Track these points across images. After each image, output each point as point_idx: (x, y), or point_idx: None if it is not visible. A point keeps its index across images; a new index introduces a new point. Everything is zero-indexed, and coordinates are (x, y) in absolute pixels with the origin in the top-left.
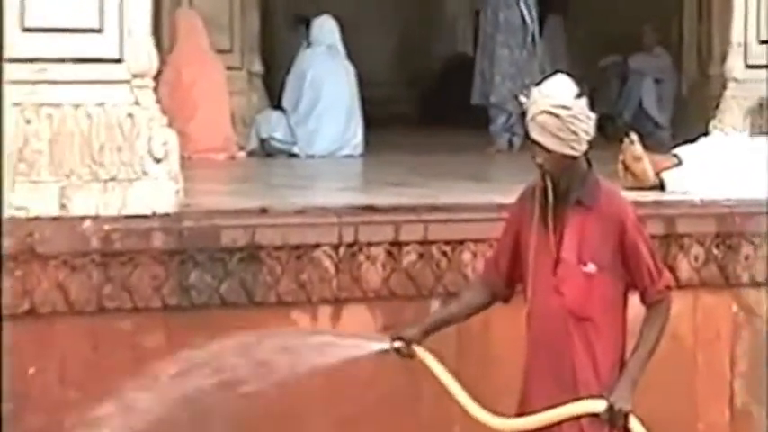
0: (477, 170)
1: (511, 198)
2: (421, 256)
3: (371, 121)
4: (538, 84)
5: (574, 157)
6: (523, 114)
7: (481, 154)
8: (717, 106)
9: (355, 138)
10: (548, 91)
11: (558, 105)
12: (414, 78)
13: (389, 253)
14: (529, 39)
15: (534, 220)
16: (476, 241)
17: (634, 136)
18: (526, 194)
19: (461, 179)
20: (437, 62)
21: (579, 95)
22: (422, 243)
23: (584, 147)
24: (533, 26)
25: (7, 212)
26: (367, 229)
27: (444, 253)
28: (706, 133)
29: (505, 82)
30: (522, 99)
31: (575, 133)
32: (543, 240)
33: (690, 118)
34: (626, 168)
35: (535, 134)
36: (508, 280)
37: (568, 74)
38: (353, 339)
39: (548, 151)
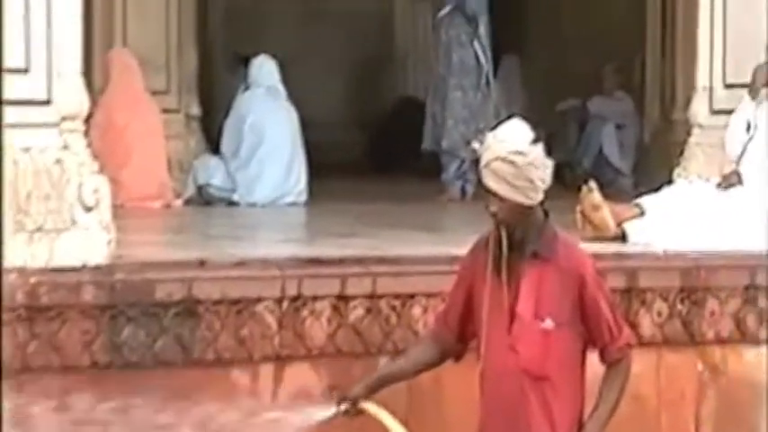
0: (429, 220)
1: (463, 249)
2: (369, 310)
3: (316, 167)
4: (492, 128)
5: (530, 207)
6: (477, 161)
7: (432, 202)
8: (681, 153)
9: (299, 185)
10: (503, 136)
11: (513, 152)
12: (361, 122)
13: (335, 308)
14: (483, 80)
15: (488, 273)
16: (427, 295)
17: (593, 184)
18: (479, 245)
19: (411, 229)
20: (386, 105)
21: (536, 141)
22: (370, 297)
23: (540, 195)
24: (488, 67)
25: None
26: (311, 282)
27: (393, 308)
28: (670, 181)
29: (458, 126)
30: (476, 145)
31: (531, 181)
32: (497, 295)
33: (653, 165)
34: (585, 218)
35: (489, 182)
36: (459, 336)
37: (524, 118)
38: (295, 413)
39: (502, 200)
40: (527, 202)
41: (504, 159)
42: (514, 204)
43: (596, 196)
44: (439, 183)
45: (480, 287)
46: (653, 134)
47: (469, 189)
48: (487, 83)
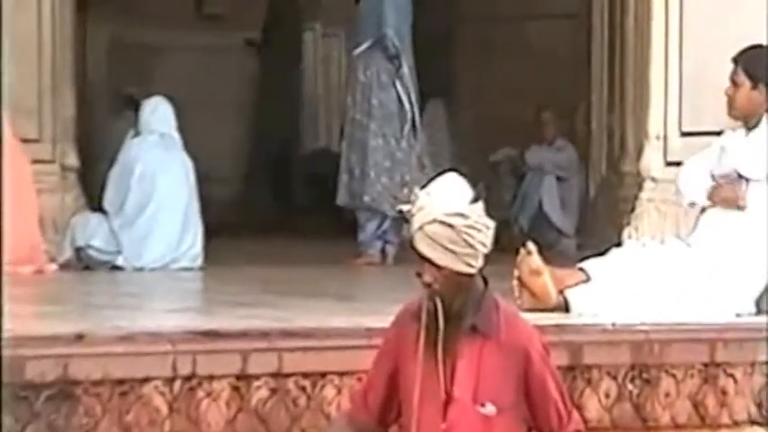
0: (343, 287)
1: (383, 321)
2: (274, 391)
3: (214, 227)
4: (424, 185)
5: (469, 275)
6: (401, 218)
7: (348, 267)
8: (631, 210)
9: (194, 247)
10: (438, 195)
11: (452, 213)
12: (266, 176)
13: (235, 388)
14: (407, 126)
15: (419, 350)
16: (341, 374)
17: (532, 246)
18: (406, 317)
19: (323, 298)
20: (296, 157)
21: (475, 199)
22: (275, 376)
23: (480, 262)
24: (413, 111)
25: None
26: (208, 359)
27: (302, 388)
28: (619, 243)
29: (380, 178)
30: (404, 207)
31: (471, 246)
32: (430, 375)
33: (599, 224)
34: (522, 285)
35: (423, 248)
36: (380, 420)
37: (453, 170)
38: None
39: (438, 268)
40: (466, 269)
41: (441, 222)
42: (452, 273)
43: (536, 260)
44: (355, 244)
45: (408, 365)
46: (599, 188)
47: (390, 251)
48: (413, 129)
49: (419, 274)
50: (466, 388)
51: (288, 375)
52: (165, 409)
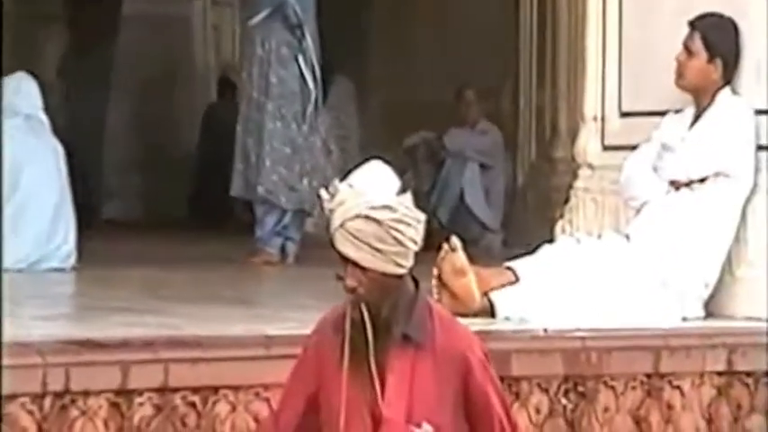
0: (238, 290)
1: (284, 328)
2: (159, 409)
3: (89, 223)
4: (345, 174)
5: (398, 276)
6: (302, 212)
7: (243, 267)
8: (565, 201)
9: (66, 244)
10: (361, 185)
11: (378, 207)
12: (150, 163)
13: (114, 405)
14: (310, 108)
15: (343, 365)
16: (235, 388)
17: (456, 242)
18: (326, 329)
19: (216, 303)
20: (186, 140)
21: (403, 190)
22: (160, 391)
23: (410, 261)
24: (317, 91)
25: None
26: (83, 372)
27: (192, 405)
28: (551, 239)
29: (277, 167)
30: (324, 195)
31: (400, 243)
32: (357, 394)
33: (528, 218)
34: (443, 286)
35: (345, 247)
36: None
37: (384, 159)
38: None
39: (363, 270)
40: (395, 270)
41: (365, 217)
42: (379, 275)
43: (460, 258)
44: (252, 241)
45: (331, 384)
46: (528, 177)
47: (291, 248)
48: (315, 111)
49: (340, 278)
50: (398, 407)
51: (175, 390)
52: (33, 430)
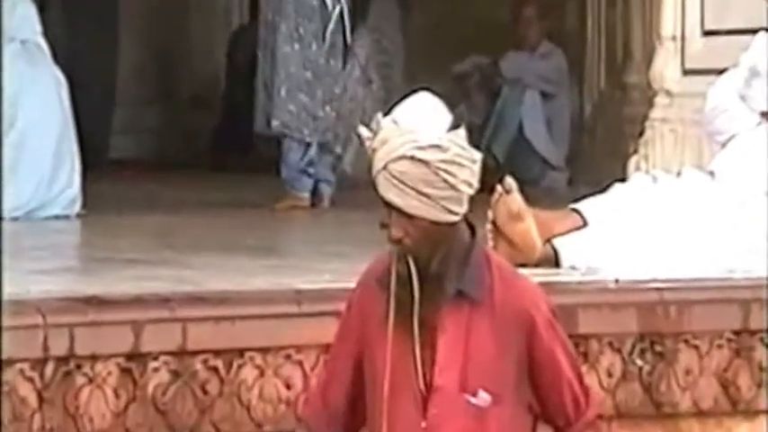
0: (264, 238)
1: (316, 281)
2: (176, 375)
3: (95, 163)
4: (389, 108)
5: (451, 225)
6: (329, 148)
7: (268, 213)
8: (640, 134)
9: (70, 188)
10: (407, 121)
11: (426, 146)
12: (166, 94)
13: (126, 371)
14: (331, 26)
15: (389, 325)
16: (263, 350)
17: (511, 182)
18: (370, 283)
19: (239, 253)
20: (207, 69)
21: (456, 126)
22: (178, 355)
23: (464, 207)
24: (340, 6)
25: None
26: (89, 333)
27: (213, 369)
28: (623, 178)
29: (295, 95)
30: (364, 132)
31: (452, 187)
32: (404, 358)
33: (597, 153)
34: (498, 233)
35: (389, 193)
36: (348, 423)
37: (433, 91)
38: None
39: (410, 218)
40: (447, 218)
41: (411, 158)
42: (427, 224)
43: (516, 200)
44: (279, 184)
45: (374, 347)
46: (597, 107)
47: (326, 191)
48: (343, 32)
49: (384, 226)
50: (451, 373)
51: (194, 353)
52: (33, 401)
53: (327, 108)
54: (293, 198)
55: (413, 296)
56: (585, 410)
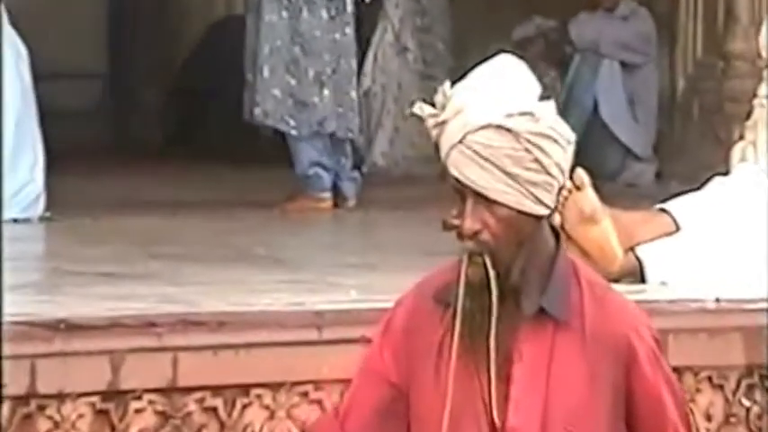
0: (273, 247)
1: (340, 301)
2: (165, 417)
3: (63, 156)
4: (458, 77)
5: (537, 219)
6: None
7: (280, 216)
8: (747, 116)
9: (32, 184)
10: (488, 89)
11: (516, 113)
12: (150, 74)
13: (102, 414)
14: None
15: (451, 347)
16: (273, 386)
17: (584, 175)
18: (425, 292)
19: (242, 265)
20: (195, 35)
21: (546, 97)
22: (167, 392)
23: (554, 199)
24: None
25: None
26: (56, 366)
27: (212, 411)
28: (725, 171)
29: (282, 76)
30: (426, 109)
31: (544, 169)
32: (468, 389)
33: (693, 139)
34: (568, 239)
35: (466, 170)
36: None
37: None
38: None
39: (489, 204)
40: (535, 210)
41: (498, 127)
42: (512, 215)
43: (589, 199)
44: (293, 180)
45: (426, 373)
46: (693, 81)
47: (349, 189)
48: None
49: (449, 227)
50: (529, 411)
51: (187, 391)
52: None
53: (326, 91)
54: (310, 198)
55: (489, 308)
56: None
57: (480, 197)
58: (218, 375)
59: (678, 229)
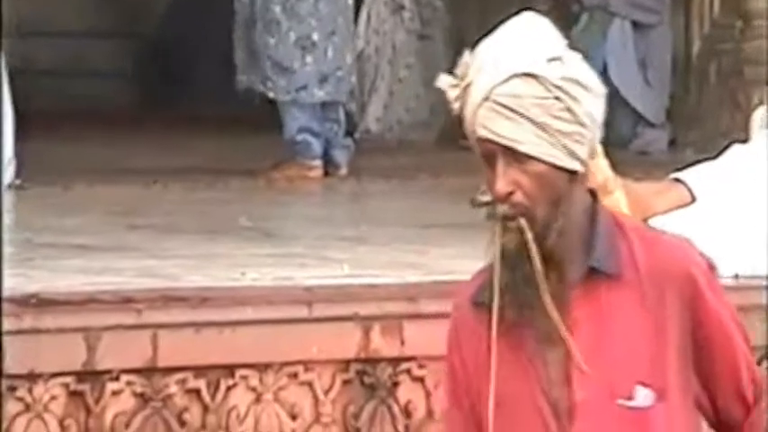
0: (259, 218)
1: (330, 276)
2: (144, 400)
3: (31, 119)
4: (474, 43)
5: (573, 174)
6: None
7: (265, 185)
8: (767, 81)
9: (0, 150)
10: (512, 39)
11: (543, 59)
12: (123, 23)
13: (76, 395)
14: None
15: (492, 324)
16: (260, 367)
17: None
18: (462, 301)
19: (226, 237)
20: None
21: (573, 49)
22: (146, 372)
23: (588, 153)
24: None
25: None
26: (28, 345)
27: (195, 393)
28: (744, 139)
29: (266, 39)
30: (445, 80)
31: (575, 118)
32: (521, 369)
33: (710, 104)
34: None
35: (495, 125)
36: None
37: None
38: None
39: (521, 162)
40: (569, 164)
41: (526, 75)
42: (546, 170)
43: (600, 168)
44: (280, 145)
45: (482, 370)
46: (709, 41)
47: (340, 157)
48: None
49: (477, 203)
50: (596, 378)
51: (168, 371)
52: None
53: (308, 58)
54: (298, 166)
55: (530, 280)
56: (760, 394)
57: (511, 155)
58: (200, 355)
59: (694, 200)
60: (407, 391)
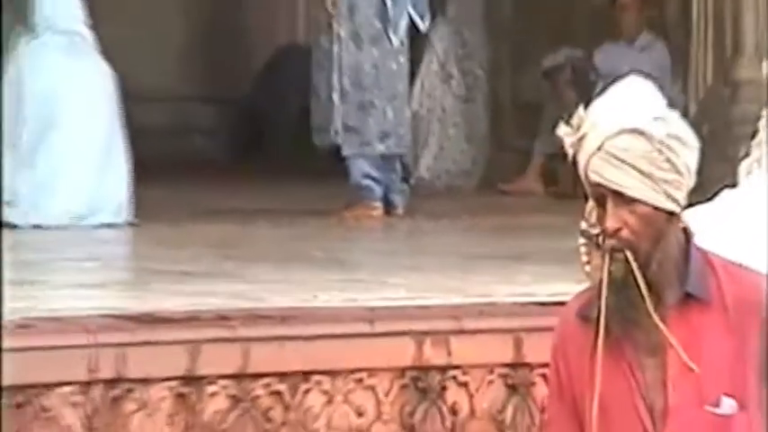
0: (331, 250)
1: (390, 298)
2: (236, 400)
3: (146, 168)
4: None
5: (671, 215)
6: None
7: (336, 222)
8: (752, 136)
9: (118, 194)
10: (620, 99)
11: (649, 118)
12: (221, 95)
13: (181, 396)
14: (391, 28)
15: (598, 342)
16: (331, 374)
17: None
18: (568, 318)
19: (302, 266)
20: (260, 65)
21: (671, 107)
22: (238, 378)
23: (684, 198)
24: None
25: None
26: (141, 354)
27: (277, 394)
28: (733, 184)
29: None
30: (563, 129)
31: (675, 168)
32: (622, 383)
33: (704, 155)
34: (595, 246)
35: (607, 173)
36: None
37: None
38: None
39: (627, 204)
40: (669, 206)
41: (633, 131)
42: (649, 212)
43: None
44: (348, 191)
45: (588, 386)
46: (703, 106)
47: (398, 199)
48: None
49: (587, 235)
50: (687, 387)
51: (256, 377)
52: (79, 429)
53: (370, 120)
54: (363, 207)
55: (633, 304)
56: None
57: (619, 198)
58: (283, 363)
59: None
60: (453, 394)
